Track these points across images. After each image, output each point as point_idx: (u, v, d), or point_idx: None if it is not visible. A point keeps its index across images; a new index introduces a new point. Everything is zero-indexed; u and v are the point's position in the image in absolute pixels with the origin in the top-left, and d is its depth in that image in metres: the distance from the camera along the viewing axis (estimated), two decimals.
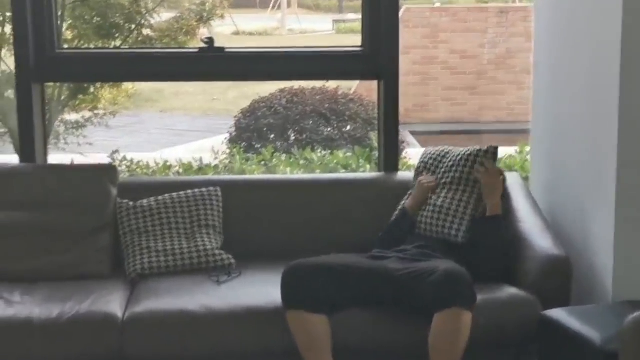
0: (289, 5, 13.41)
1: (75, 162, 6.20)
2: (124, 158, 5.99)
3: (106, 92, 7.90)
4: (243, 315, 3.45)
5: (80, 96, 7.13)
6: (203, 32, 7.90)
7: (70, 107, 7.12)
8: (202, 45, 4.42)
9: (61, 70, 4.43)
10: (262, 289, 3.59)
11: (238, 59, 4.48)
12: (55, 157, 6.78)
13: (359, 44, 4.41)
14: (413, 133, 10.13)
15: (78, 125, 7.13)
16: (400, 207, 3.98)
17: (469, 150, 3.91)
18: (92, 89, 7.19)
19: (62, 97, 6.97)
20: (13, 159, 4.42)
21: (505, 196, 3.94)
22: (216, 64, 4.40)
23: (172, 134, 11.24)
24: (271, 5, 13.30)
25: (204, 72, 4.51)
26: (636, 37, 3.41)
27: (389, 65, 4.32)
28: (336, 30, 13.13)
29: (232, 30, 12.09)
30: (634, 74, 3.42)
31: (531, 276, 3.54)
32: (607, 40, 3.52)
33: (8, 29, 6.71)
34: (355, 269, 3.49)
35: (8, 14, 6.36)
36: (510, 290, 3.53)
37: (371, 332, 3.42)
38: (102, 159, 6.13)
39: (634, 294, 3.45)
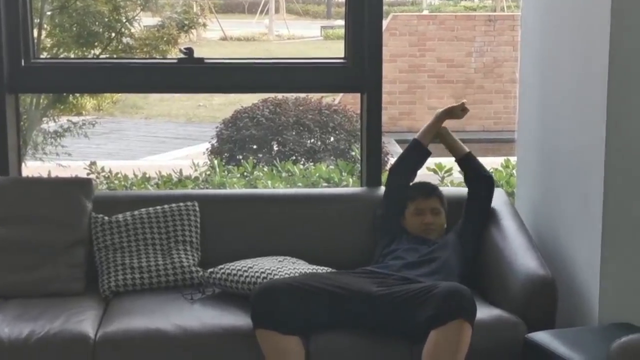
0: (277, 10, 13.38)
1: (54, 173, 6.10)
2: (102, 169, 5.88)
3: (87, 100, 7.78)
4: (218, 335, 3.38)
5: (59, 105, 7.01)
6: (191, 38, 7.82)
7: (49, 116, 7.00)
8: (182, 55, 4.33)
9: (36, 81, 4.33)
10: (238, 308, 3.51)
11: (218, 69, 4.38)
12: (33, 165, 6.67)
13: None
14: (399, 141, 10.09)
15: (57, 135, 7.00)
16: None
17: None
18: (71, 98, 7.07)
19: (40, 107, 6.85)
20: None
21: (490, 213, 3.89)
22: (196, 75, 4.31)
23: (155, 141, 11.14)
24: (259, 10, 13.26)
25: (183, 83, 4.42)
26: (624, 46, 3.33)
27: (372, 78, 4.25)
28: (324, 37, 13.10)
29: (220, 36, 12.04)
30: (622, 85, 3.35)
31: (515, 297, 3.46)
32: (594, 50, 3.44)
33: None
34: (331, 289, 3.38)
35: None
36: (494, 312, 3.46)
37: (350, 356, 3.33)
38: (82, 168, 6.01)
39: (620, 317, 3.38)
